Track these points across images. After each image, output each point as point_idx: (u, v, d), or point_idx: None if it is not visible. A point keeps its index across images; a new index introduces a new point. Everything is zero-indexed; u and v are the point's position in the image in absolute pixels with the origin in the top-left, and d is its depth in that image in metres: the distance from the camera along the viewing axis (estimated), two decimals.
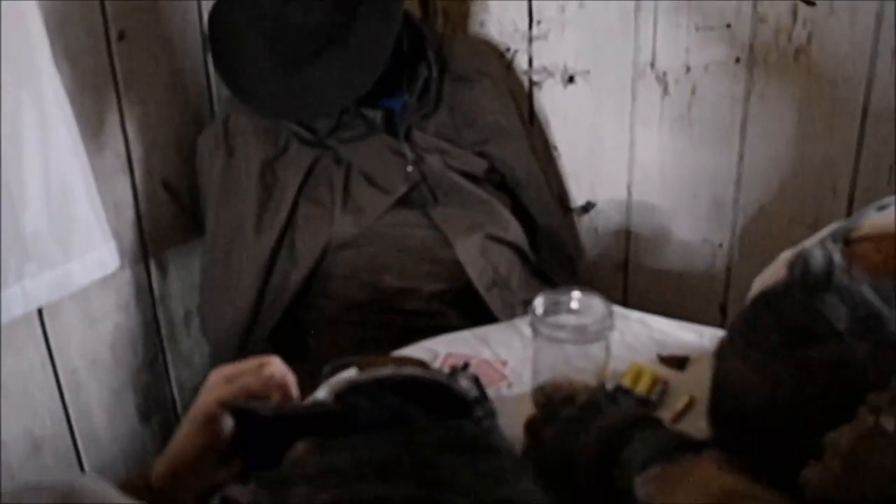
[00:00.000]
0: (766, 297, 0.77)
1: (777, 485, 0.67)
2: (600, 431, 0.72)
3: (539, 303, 0.95)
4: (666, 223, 1.63)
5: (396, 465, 0.57)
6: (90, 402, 1.32)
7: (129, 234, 1.35)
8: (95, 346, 1.32)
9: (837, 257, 0.75)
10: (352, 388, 0.72)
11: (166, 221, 1.43)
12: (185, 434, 0.76)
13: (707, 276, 1.62)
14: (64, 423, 1.29)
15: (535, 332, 0.95)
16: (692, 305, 1.60)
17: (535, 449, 0.79)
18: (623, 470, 0.68)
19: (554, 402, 0.83)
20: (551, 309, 0.96)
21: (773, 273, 0.84)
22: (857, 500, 0.64)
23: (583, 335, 0.93)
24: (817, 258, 0.74)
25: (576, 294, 0.96)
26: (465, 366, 1.01)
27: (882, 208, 0.95)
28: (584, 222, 1.68)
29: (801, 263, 0.75)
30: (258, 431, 0.70)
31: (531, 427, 0.82)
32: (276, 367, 0.77)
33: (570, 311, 0.96)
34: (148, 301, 1.42)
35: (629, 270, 1.71)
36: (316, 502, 0.55)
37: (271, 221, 1.32)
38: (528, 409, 0.98)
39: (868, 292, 0.72)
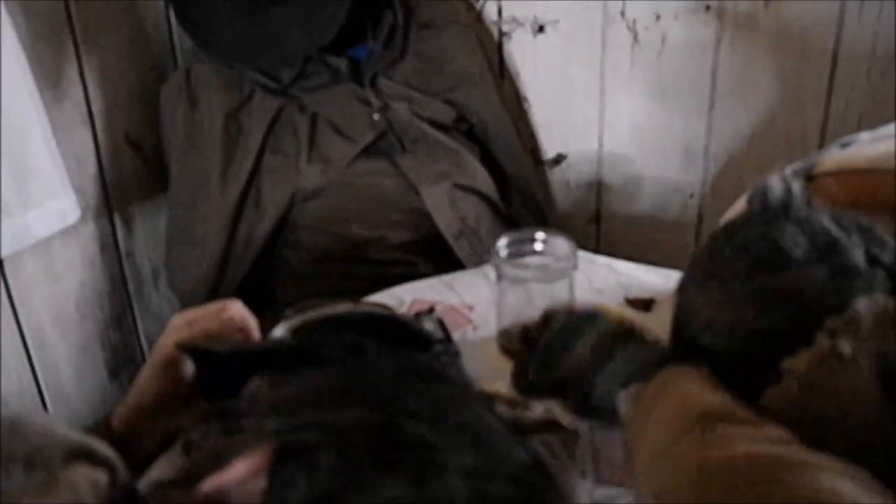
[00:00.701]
0: (726, 228, 0.77)
1: None
2: (584, 348, 0.72)
3: (503, 244, 0.94)
4: (637, 174, 1.63)
5: (347, 392, 0.56)
6: (57, 359, 1.31)
7: (92, 187, 1.33)
8: (60, 302, 1.30)
9: (796, 187, 0.74)
10: (308, 325, 0.71)
11: (130, 175, 1.41)
12: (145, 378, 0.76)
13: (678, 225, 1.62)
14: (31, 380, 1.28)
15: (499, 272, 0.94)
16: (664, 256, 1.59)
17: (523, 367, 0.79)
18: (606, 387, 0.69)
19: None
20: (515, 250, 0.95)
21: (736, 210, 0.84)
22: (814, 422, 0.64)
23: (546, 274, 0.92)
24: (776, 188, 0.74)
25: (539, 234, 0.96)
26: (431, 310, 1.01)
27: (845, 145, 0.94)
28: (555, 175, 1.68)
29: (760, 194, 0.75)
30: (216, 370, 0.70)
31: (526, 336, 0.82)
32: (236, 310, 0.76)
33: (534, 251, 0.95)
34: (114, 256, 1.40)
35: (601, 222, 1.70)
36: (264, 431, 0.54)
37: (236, 173, 1.30)
38: (493, 352, 0.98)
39: (827, 221, 0.72)
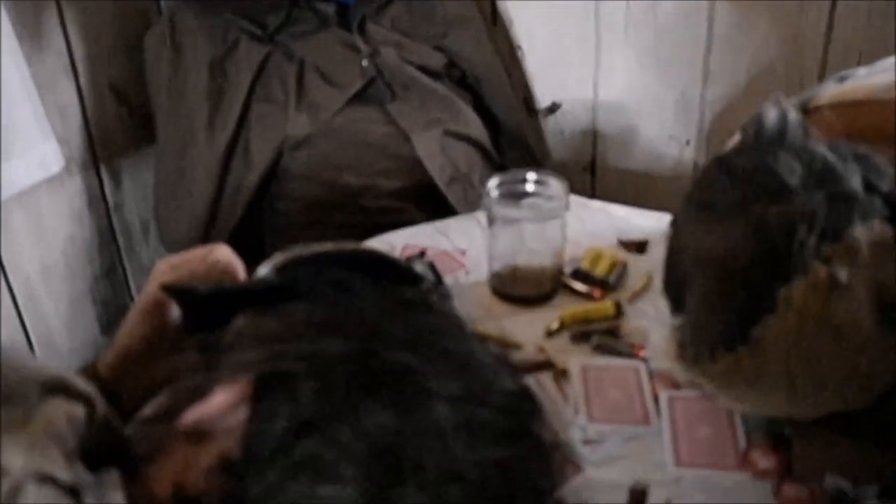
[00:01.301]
0: (720, 160, 0.75)
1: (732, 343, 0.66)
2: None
3: (493, 184, 0.93)
4: (632, 122, 1.60)
5: (330, 324, 0.55)
6: (47, 313, 1.30)
7: (77, 139, 1.30)
8: (49, 256, 1.28)
9: (792, 116, 0.73)
10: (293, 263, 0.70)
11: (116, 126, 1.38)
12: (131, 323, 0.74)
13: (674, 173, 1.60)
14: (21, 335, 1.26)
15: (490, 213, 0.93)
16: (659, 203, 1.57)
17: None
18: None
19: None
20: (506, 190, 0.93)
21: (730, 145, 0.82)
22: (810, 351, 0.63)
23: (538, 213, 0.91)
24: (771, 116, 0.72)
25: (531, 175, 0.94)
26: (422, 254, 0.99)
27: (842, 79, 0.92)
28: (549, 124, 1.65)
29: (754, 123, 0.73)
30: (200, 310, 0.68)
31: None
32: (222, 253, 0.75)
33: (526, 192, 0.94)
34: (102, 210, 1.38)
35: (596, 171, 1.68)
36: (245, 362, 0.53)
37: (223, 122, 1.27)
38: (485, 295, 0.97)
39: (823, 149, 0.70)
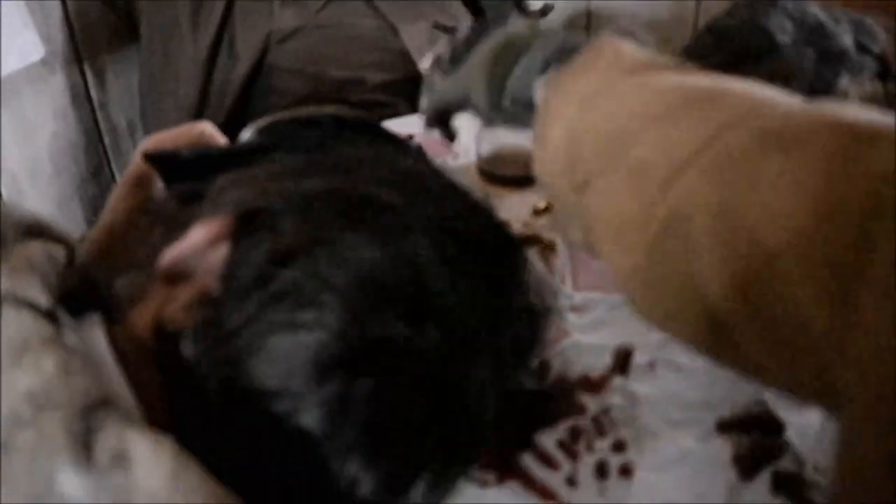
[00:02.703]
0: (710, 24, 0.74)
1: None
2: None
3: None
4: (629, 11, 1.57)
5: (311, 167, 0.54)
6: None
7: (59, 34, 1.27)
8: (35, 155, 1.26)
9: None
10: (276, 125, 0.69)
11: (98, 22, 1.35)
12: (115, 198, 0.73)
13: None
14: None
15: None
16: None
17: None
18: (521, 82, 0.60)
19: None
20: None
21: None
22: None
23: None
24: None
25: None
26: (409, 138, 0.98)
27: None
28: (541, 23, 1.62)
29: None
30: (183, 176, 0.68)
31: None
32: (206, 127, 0.74)
33: None
34: (86, 109, 1.36)
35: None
36: (224, 202, 0.52)
37: (207, 17, 1.24)
38: (472, 178, 0.96)
39: (815, 9, 0.69)
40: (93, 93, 1.36)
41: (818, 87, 0.63)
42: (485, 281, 0.50)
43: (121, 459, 0.38)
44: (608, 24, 1.61)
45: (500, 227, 0.54)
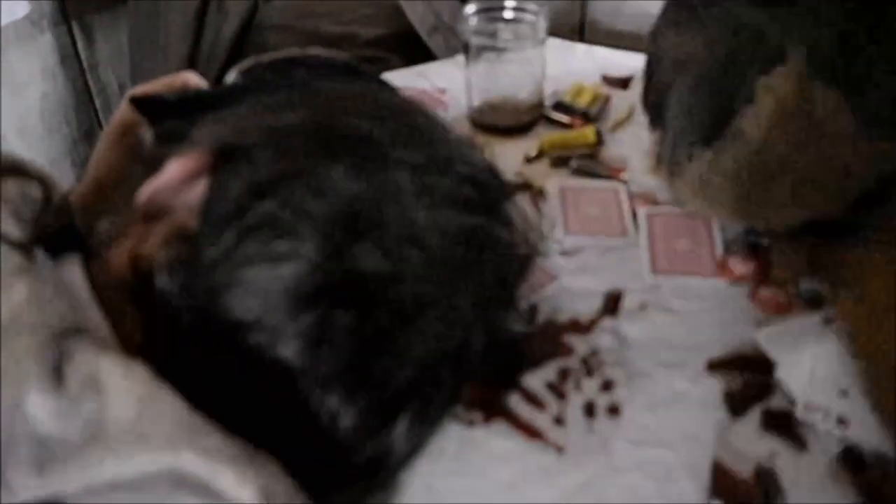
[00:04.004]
0: None
1: (711, 139, 0.65)
2: None
3: (471, 11, 0.90)
4: None
5: (288, 103, 0.53)
6: None
7: None
8: (25, 115, 1.25)
9: None
10: (259, 66, 0.68)
11: None
12: (102, 147, 0.72)
13: None
14: None
15: (469, 44, 0.90)
16: None
17: None
18: None
19: None
20: (485, 17, 0.90)
21: None
22: (787, 143, 0.62)
23: (516, 38, 0.88)
24: None
25: (510, 2, 0.91)
26: None
27: None
28: None
29: None
30: (168, 119, 0.67)
31: None
32: (191, 77, 0.72)
33: (504, 19, 0.91)
34: (76, 69, 1.34)
35: (585, 34, 1.64)
36: (202, 138, 0.51)
37: None
38: (464, 128, 0.95)
39: None
40: (82, 53, 1.34)
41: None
42: (467, 214, 0.49)
43: (92, 385, 0.37)
44: (600, 31, 1.60)
45: (484, 163, 0.53)
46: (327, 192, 0.46)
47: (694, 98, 0.67)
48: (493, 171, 0.53)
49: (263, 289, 0.44)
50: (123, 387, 0.38)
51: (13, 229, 0.45)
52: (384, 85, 0.66)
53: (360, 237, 0.45)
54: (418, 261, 0.46)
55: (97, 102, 1.39)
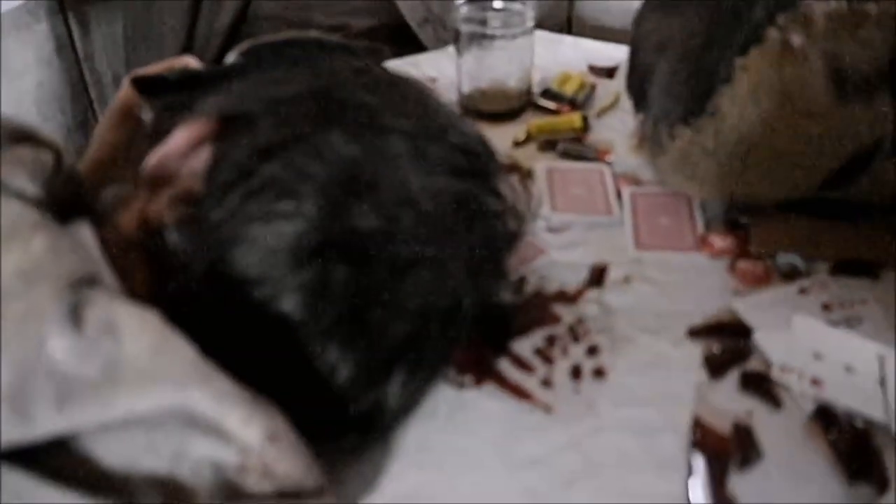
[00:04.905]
0: None
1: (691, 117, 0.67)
2: None
3: (461, 1, 0.93)
4: None
5: (287, 76, 0.56)
6: None
7: None
8: (20, 102, 1.27)
9: None
10: (258, 47, 0.70)
11: None
12: (103, 128, 0.74)
13: None
14: None
15: (458, 32, 0.93)
16: None
17: None
18: None
19: None
20: (475, 7, 0.93)
21: None
22: (765, 119, 0.65)
23: (505, 27, 0.91)
24: None
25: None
26: None
27: None
28: None
29: None
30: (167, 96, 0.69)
31: None
32: (190, 61, 0.75)
33: (494, 9, 0.93)
34: (71, 59, 1.36)
35: (572, 31, 1.66)
36: (203, 108, 0.54)
37: None
38: None
39: None
40: (77, 43, 1.36)
41: (782, 4, 0.64)
42: (458, 180, 0.52)
43: (109, 328, 0.40)
44: (587, 28, 1.62)
45: (476, 134, 0.56)
46: (326, 155, 0.49)
47: (674, 79, 0.70)
48: (483, 143, 0.56)
49: (266, 245, 0.46)
50: (138, 330, 0.40)
51: (29, 186, 0.47)
52: (378, 62, 0.68)
53: (356, 197, 0.48)
54: (411, 220, 0.49)
55: (92, 92, 1.41)
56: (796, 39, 0.63)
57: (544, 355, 0.62)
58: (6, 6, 1.14)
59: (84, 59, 1.38)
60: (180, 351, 0.41)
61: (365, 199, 0.48)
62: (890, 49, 0.64)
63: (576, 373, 0.61)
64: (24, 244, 0.42)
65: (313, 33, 0.73)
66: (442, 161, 0.51)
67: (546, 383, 0.60)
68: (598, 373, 0.61)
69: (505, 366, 0.61)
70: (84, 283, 0.41)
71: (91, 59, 1.40)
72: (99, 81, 1.42)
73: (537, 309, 0.66)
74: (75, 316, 0.39)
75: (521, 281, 0.69)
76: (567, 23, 1.65)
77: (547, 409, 0.58)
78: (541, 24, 1.65)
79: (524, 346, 0.63)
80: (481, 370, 0.61)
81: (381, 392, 0.50)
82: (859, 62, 0.63)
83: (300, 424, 0.45)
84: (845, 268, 0.70)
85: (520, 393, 0.59)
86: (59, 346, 0.38)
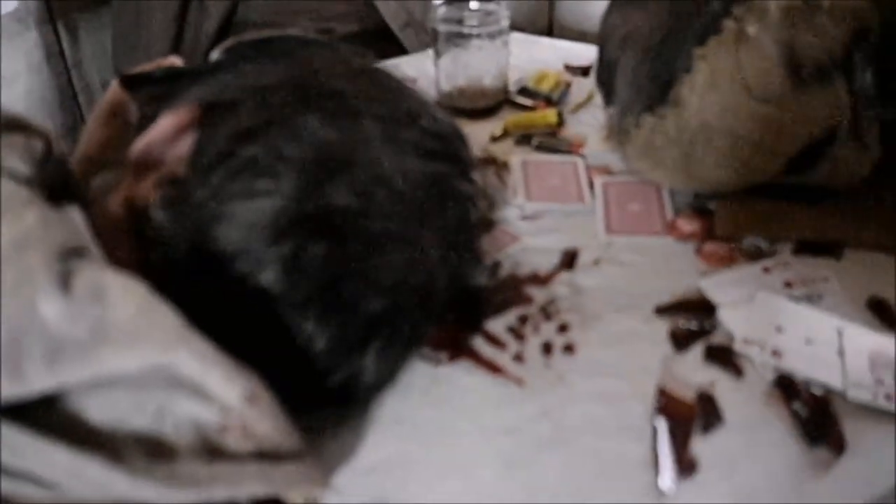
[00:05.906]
0: None
1: (655, 106, 0.70)
2: None
3: (439, 2, 0.96)
4: None
5: (267, 67, 0.59)
6: None
7: None
8: (9, 107, 1.29)
9: None
10: (242, 45, 0.73)
11: None
12: (91, 127, 0.76)
13: None
14: None
15: (435, 32, 0.96)
16: None
17: None
18: None
19: None
20: (452, 8, 0.96)
21: None
22: (725, 105, 0.68)
23: (481, 26, 0.94)
24: None
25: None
26: None
27: None
28: None
29: None
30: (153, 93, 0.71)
31: None
32: (176, 61, 0.77)
33: (471, 10, 0.96)
34: (60, 66, 1.39)
35: (553, 35, 1.70)
36: (187, 97, 0.56)
37: None
38: None
39: None
40: (66, 51, 1.39)
41: None
42: (430, 162, 0.55)
43: (97, 293, 0.42)
44: (568, 32, 1.65)
45: (448, 120, 0.59)
46: (303, 137, 0.51)
47: (638, 71, 0.73)
48: (455, 129, 0.59)
49: (247, 221, 0.49)
50: (124, 296, 0.43)
51: (21, 166, 0.49)
52: (355, 55, 0.71)
53: (332, 176, 0.50)
54: (385, 199, 0.52)
55: (81, 99, 1.43)
56: (751, 29, 0.66)
57: (516, 333, 0.65)
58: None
59: (73, 67, 1.41)
60: (165, 315, 0.43)
61: (340, 178, 0.51)
62: (843, 37, 0.67)
63: (547, 348, 0.63)
64: (17, 218, 0.44)
65: (293, 31, 0.76)
66: (414, 144, 0.54)
67: (518, 358, 0.63)
68: (569, 348, 0.63)
69: (479, 343, 0.64)
70: (73, 254, 0.44)
71: (80, 67, 1.43)
72: (87, 88, 1.45)
73: (510, 290, 0.69)
74: (65, 282, 0.42)
75: (496, 265, 0.72)
76: (548, 27, 1.69)
77: (519, 382, 0.61)
78: (522, 30, 1.70)
79: (497, 324, 0.66)
80: (456, 347, 0.63)
81: (356, 365, 0.53)
82: (814, 50, 0.66)
83: (280, 394, 0.47)
84: (808, 248, 0.73)
85: (493, 368, 0.62)
86: (50, 309, 0.41)
